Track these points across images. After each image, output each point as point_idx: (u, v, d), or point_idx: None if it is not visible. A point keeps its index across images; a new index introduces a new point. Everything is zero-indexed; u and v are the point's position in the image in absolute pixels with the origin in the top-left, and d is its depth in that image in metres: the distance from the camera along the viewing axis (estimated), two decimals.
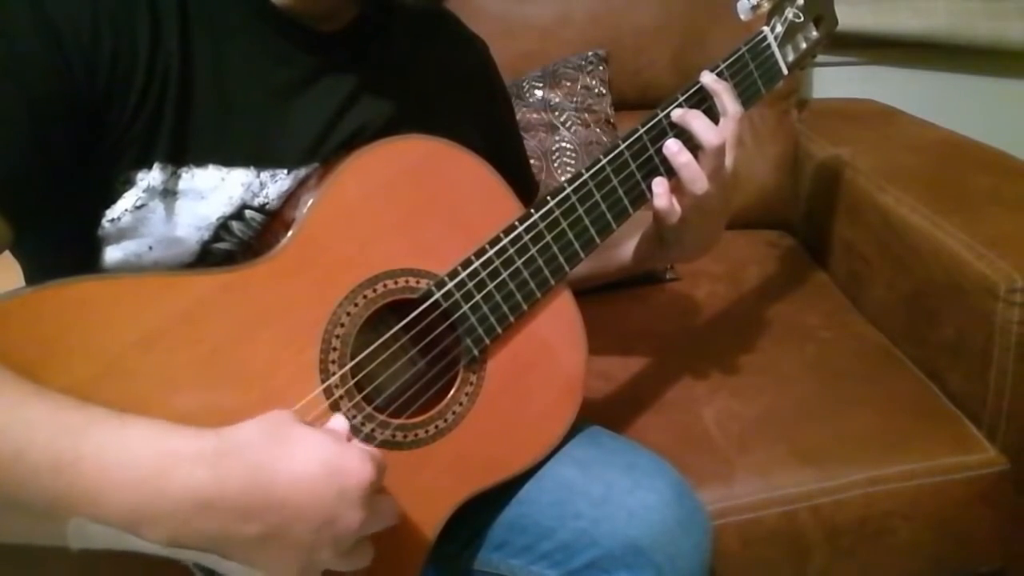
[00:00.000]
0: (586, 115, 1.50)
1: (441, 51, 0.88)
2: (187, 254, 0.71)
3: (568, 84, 1.51)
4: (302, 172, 0.74)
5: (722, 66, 0.89)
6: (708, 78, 0.86)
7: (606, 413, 1.09)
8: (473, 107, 0.92)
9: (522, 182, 1.02)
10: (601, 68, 1.55)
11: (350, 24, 0.77)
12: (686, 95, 0.86)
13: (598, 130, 1.49)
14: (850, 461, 1.06)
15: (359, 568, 0.62)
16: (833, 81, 1.83)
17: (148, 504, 0.54)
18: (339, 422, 0.65)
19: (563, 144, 1.46)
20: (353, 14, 0.77)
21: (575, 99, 1.50)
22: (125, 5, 0.65)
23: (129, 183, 0.67)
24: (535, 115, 1.48)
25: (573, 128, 1.48)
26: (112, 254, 0.69)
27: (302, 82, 0.73)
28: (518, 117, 1.45)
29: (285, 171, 0.73)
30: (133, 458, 0.55)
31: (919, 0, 1.75)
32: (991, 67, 1.84)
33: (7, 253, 0.71)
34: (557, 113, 1.49)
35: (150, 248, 0.70)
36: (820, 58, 1.83)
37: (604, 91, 1.54)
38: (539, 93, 1.50)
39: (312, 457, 0.58)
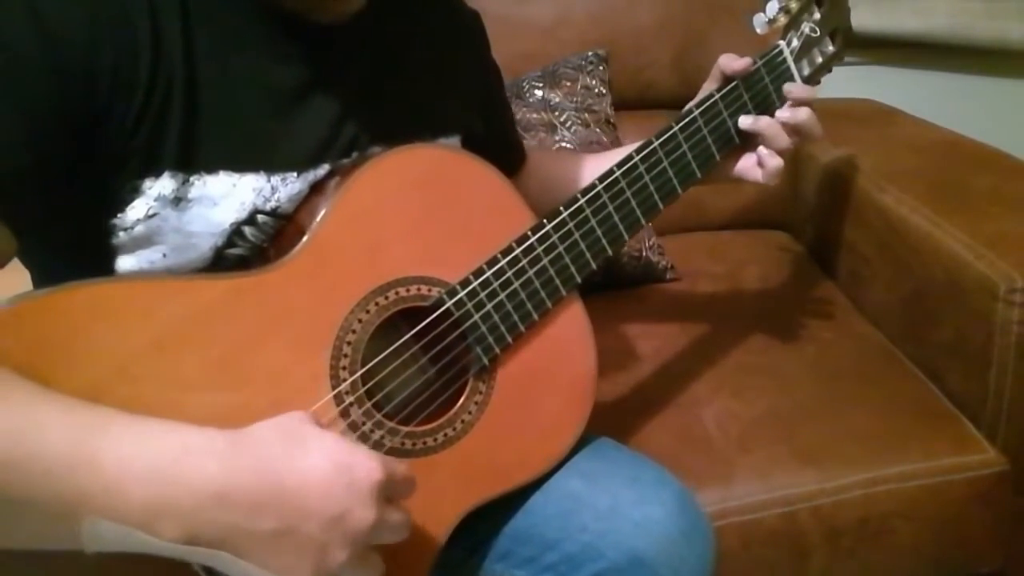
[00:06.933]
0: (586, 115, 1.49)
1: (437, 30, 0.87)
2: (200, 260, 0.71)
3: (568, 84, 1.51)
4: (312, 174, 0.73)
5: (737, 80, 0.89)
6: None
7: (606, 414, 1.08)
8: (471, 83, 0.92)
9: (514, 152, 1.05)
10: (601, 68, 1.55)
11: (350, 17, 0.76)
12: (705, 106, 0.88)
13: (598, 130, 1.49)
14: (850, 461, 1.06)
15: None
16: (833, 81, 1.81)
17: (163, 497, 0.55)
18: None
19: (563, 144, 1.46)
20: (356, 7, 0.75)
21: (575, 99, 1.50)
22: (125, 12, 0.64)
23: (137, 192, 0.66)
24: (535, 115, 1.48)
25: (573, 128, 1.48)
26: (125, 263, 0.69)
27: (307, 83, 0.73)
28: (518, 117, 1.45)
29: (295, 174, 0.72)
30: (148, 453, 0.56)
31: (919, 0, 1.76)
32: (991, 67, 1.84)
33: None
34: (557, 113, 1.48)
35: (163, 256, 0.69)
36: None
37: (604, 91, 1.54)
38: (539, 93, 1.50)
39: (323, 455, 0.59)
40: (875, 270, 1.34)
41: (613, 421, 1.05)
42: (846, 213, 1.43)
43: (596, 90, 1.52)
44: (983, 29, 1.75)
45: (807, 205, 1.59)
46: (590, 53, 1.55)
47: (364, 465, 0.59)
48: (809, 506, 1.04)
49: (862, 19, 1.73)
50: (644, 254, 1.44)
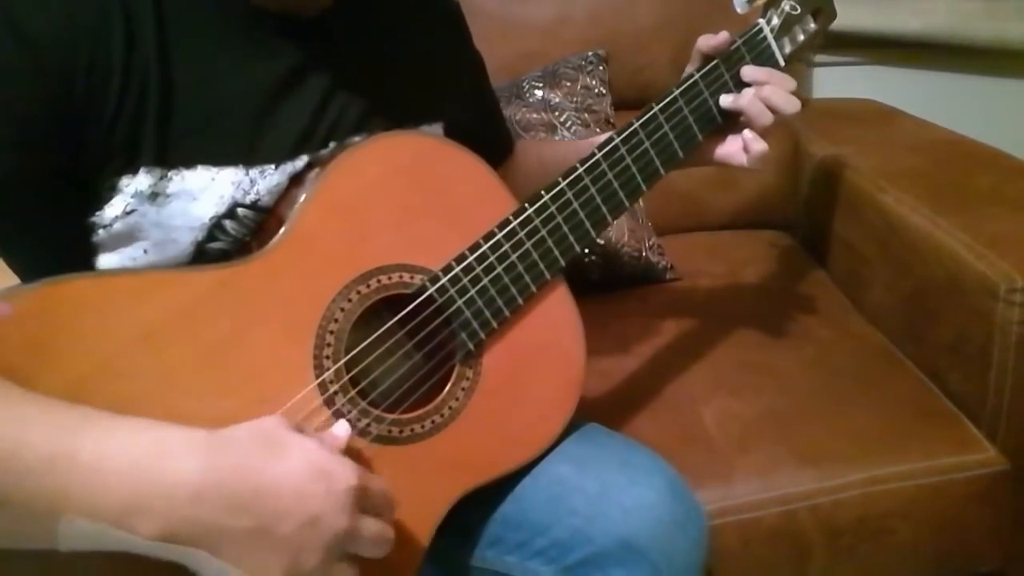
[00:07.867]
0: (586, 115, 1.49)
1: (415, 20, 0.87)
2: (182, 255, 0.71)
3: (568, 84, 1.51)
4: (291, 167, 0.73)
5: (717, 59, 0.89)
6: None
7: (605, 413, 1.08)
8: (451, 72, 0.92)
9: (500, 141, 1.05)
10: (601, 68, 1.55)
11: (328, 10, 0.76)
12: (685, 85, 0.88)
13: (598, 130, 1.49)
14: (850, 461, 1.05)
15: None
16: (833, 81, 1.83)
17: (141, 495, 0.55)
18: (341, 428, 0.66)
19: None
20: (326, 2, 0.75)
21: (575, 99, 1.50)
22: (101, 13, 0.65)
23: (114, 189, 0.67)
24: (535, 115, 1.48)
25: (573, 128, 1.48)
26: (107, 260, 0.70)
27: (285, 76, 0.73)
28: (518, 117, 1.45)
29: (273, 166, 0.72)
30: (126, 451, 0.56)
31: (919, 0, 1.76)
32: (991, 67, 1.84)
33: None
34: (557, 113, 1.48)
35: (145, 251, 0.70)
36: (820, 58, 1.84)
37: (604, 91, 1.54)
38: (539, 93, 1.50)
39: (300, 459, 0.59)
40: (875, 270, 1.34)
41: (612, 419, 1.05)
42: (846, 213, 1.43)
43: (596, 90, 1.52)
44: (983, 29, 1.75)
45: (807, 205, 1.59)
46: (590, 53, 1.55)
47: (340, 471, 0.60)
48: (808, 505, 1.03)
49: (862, 19, 1.75)
50: (644, 254, 1.43)
